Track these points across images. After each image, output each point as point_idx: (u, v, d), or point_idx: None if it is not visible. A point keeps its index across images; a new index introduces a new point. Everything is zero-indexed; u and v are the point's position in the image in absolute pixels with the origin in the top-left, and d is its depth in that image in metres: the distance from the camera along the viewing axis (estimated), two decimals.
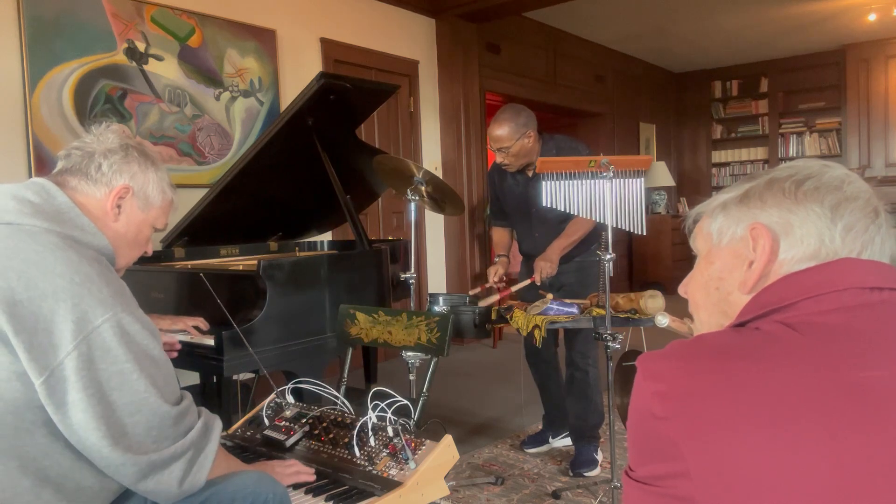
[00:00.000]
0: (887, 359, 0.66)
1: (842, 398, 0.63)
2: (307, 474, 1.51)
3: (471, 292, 2.84)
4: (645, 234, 2.34)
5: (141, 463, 1.14)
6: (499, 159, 2.85)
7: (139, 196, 1.35)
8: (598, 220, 2.34)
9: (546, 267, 2.77)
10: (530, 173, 2.89)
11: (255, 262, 2.35)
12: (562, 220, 2.84)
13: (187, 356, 2.17)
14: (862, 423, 0.62)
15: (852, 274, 0.72)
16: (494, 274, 2.91)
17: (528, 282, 2.84)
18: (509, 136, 2.74)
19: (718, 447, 0.63)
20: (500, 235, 3.14)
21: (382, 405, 1.61)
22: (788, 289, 0.73)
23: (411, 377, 2.28)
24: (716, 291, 0.82)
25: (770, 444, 0.62)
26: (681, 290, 0.89)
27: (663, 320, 1.35)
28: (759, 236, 0.76)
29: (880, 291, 0.71)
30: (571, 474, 2.90)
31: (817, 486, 0.61)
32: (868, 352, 0.67)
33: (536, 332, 2.39)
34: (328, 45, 4.63)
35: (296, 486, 1.48)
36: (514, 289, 2.83)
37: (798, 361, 0.66)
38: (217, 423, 1.31)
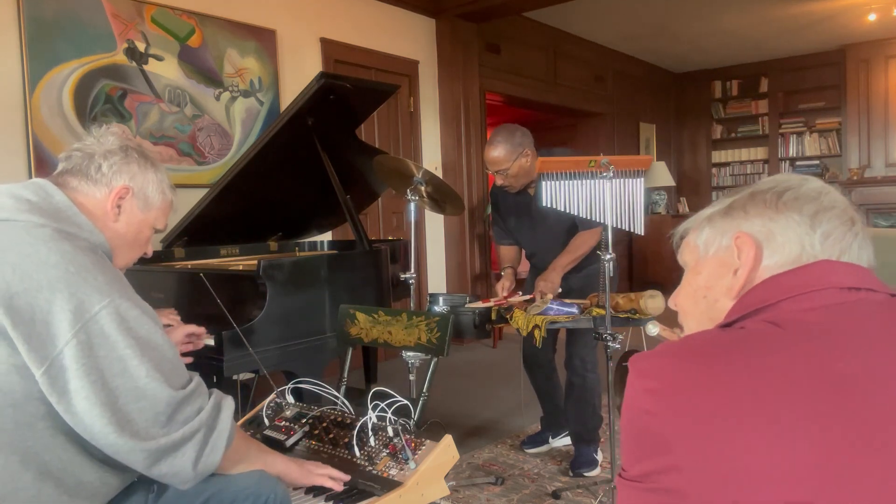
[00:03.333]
0: (862, 353, 0.69)
1: (822, 389, 0.65)
2: (336, 483, 1.44)
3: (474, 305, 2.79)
4: (644, 234, 2.34)
5: (150, 448, 1.14)
6: (499, 182, 2.81)
7: (139, 197, 1.36)
8: (600, 222, 2.33)
9: (546, 287, 2.71)
10: (532, 191, 2.85)
11: (255, 262, 2.35)
12: (568, 233, 2.82)
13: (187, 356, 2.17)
14: (841, 413, 0.64)
15: (830, 275, 0.76)
16: (503, 289, 2.86)
17: (528, 297, 2.79)
18: (506, 157, 2.71)
19: (707, 438, 0.65)
20: (507, 251, 3.10)
21: (382, 405, 1.61)
22: (771, 290, 0.77)
23: (411, 377, 2.28)
24: (703, 300, 0.85)
25: (756, 433, 0.63)
26: (670, 302, 0.94)
27: (654, 329, 1.37)
28: (743, 245, 0.80)
29: (857, 291, 0.75)
30: (571, 474, 2.90)
31: (802, 472, 0.62)
32: (845, 346, 0.69)
33: (536, 332, 2.39)
34: (328, 45, 4.63)
35: (318, 493, 1.44)
36: (510, 300, 2.77)
37: (781, 355, 0.68)
38: (228, 403, 1.29)
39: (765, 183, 0.84)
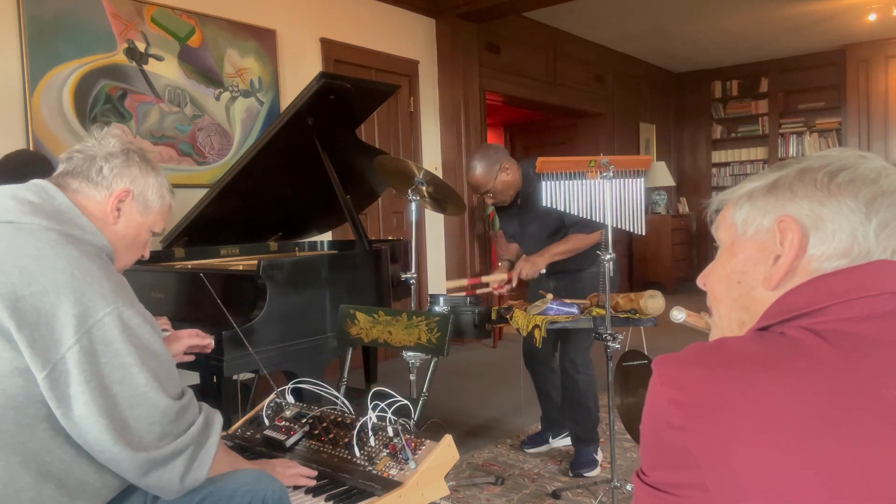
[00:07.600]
0: None
1: (870, 418, 0.60)
2: (307, 478, 1.50)
3: (451, 285, 2.89)
4: (645, 234, 2.34)
5: (141, 460, 1.15)
6: (489, 202, 2.89)
7: (139, 200, 1.37)
8: (598, 221, 2.33)
9: (527, 268, 2.74)
10: (519, 202, 2.92)
11: (255, 262, 2.35)
12: (551, 239, 2.84)
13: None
14: (888, 450, 0.59)
15: (887, 277, 0.68)
16: (493, 282, 2.90)
17: (503, 276, 2.83)
18: (487, 176, 2.76)
19: (741, 464, 0.61)
20: (510, 246, 3.16)
21: (382, 405, 1.61)
22: (818, 292, 0.69)
23: (411, 377, 2.28)
24: (738, 286, 0.78)
25: (794, 463, 0.59)
26: (699, 281, 0.86)
27: (679, 315, 1.31)
28: (787, 229, 0.72)
29: None
30: (571, 475, 2.90)
31: None
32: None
33: (536, 332, 2.40)
34: (328, 45, 4.63)
35: (296, 487, 1.48)
36: (484, 279, 2.84)
37: (826, 378, 0.62)
38: (217, 418, 1.32)
39: (816, 159, 0.75)
